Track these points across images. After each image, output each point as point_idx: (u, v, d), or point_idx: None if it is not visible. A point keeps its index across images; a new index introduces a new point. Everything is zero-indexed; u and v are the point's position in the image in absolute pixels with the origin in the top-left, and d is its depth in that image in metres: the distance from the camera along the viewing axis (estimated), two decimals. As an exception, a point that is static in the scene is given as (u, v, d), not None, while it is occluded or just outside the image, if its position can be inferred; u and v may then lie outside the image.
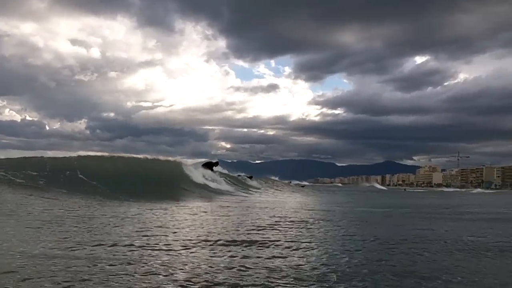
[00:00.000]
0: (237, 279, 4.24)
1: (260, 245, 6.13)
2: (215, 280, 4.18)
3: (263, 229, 7.89)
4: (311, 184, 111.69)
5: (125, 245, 5.70)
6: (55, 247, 5.41)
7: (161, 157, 23.45)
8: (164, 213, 10.28)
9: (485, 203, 25.74)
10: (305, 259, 5.23)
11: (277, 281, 4.20)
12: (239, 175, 32.93)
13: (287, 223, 9.15)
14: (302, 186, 51.40)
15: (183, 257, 5.17)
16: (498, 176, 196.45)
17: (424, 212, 14.98)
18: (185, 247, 5.77)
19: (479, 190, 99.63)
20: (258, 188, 29.70)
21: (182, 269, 4.53)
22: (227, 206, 13.83)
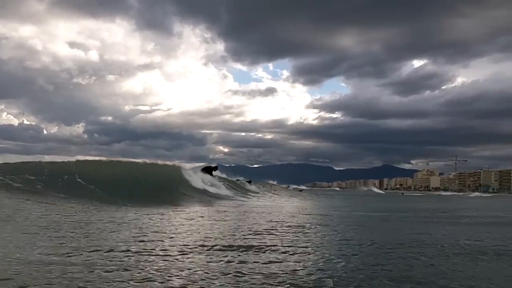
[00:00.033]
0: (233, 285, 4.24)
1: (257, 250, 6.13)
2: (211, 286, 4.18)
3: (259, 234, 7.88)
4: (309, 188, 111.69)
5: (122, 251, 5.69)
6: (52, 253, 5.40)
7: (160, 162, 23.43)
8: (161, 218, 10.26)
9: (483, 207, 25.78)
10: (301, 264, 5.22)
11: (273, 287, 4.20)
12: (237, 180, 32.91)
13: (284, 227, 9.14)
14: (300, 190, 51.39)
15: (180, 262, 5.16)
16: (496, 180, 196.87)
17: (422, 216, 14.98)
18: (182, 253, 5.76)
19: (476, 194, 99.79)
20: (257, 193, 29.66)
21: (178, 275, 4.52)
22: (225, 211, 13.82)
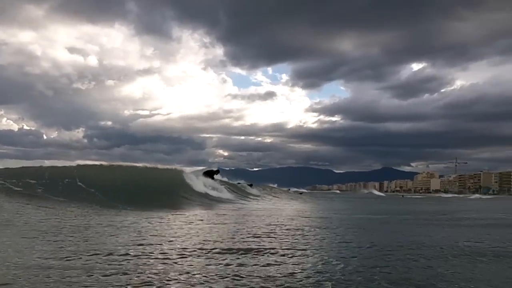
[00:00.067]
0: (232, 288, 4.25)
1: (256, 253, 6.12)
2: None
3: (259, 236, 7.88)
4: (309, 191, 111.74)
5: (121, 255, 5.68)
6: (50, 257, 5.39)
7: (159, 166, 23.41)
8: (160, 221, 10.26)
9: (483, 209, 25.76)
10: (300, 267, 5.22)
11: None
12: (238, 183, 32.91)
13: (284, 230, 9.14)
14: (300, 193, 51.35)
15: (179, 266, 5.16)
16: (496, 182, 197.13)
17: (422, 219, 14.99)
18: (181, 256, 5.76)
19: (477, 195, 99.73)
20: (258, 196, 29.67)
21: (177, 279, 4.52)
22: (225, 214, 13.81)
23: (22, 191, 14.21)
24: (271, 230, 9.14)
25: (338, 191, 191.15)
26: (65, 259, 5.35)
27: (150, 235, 7.68)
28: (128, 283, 4.31)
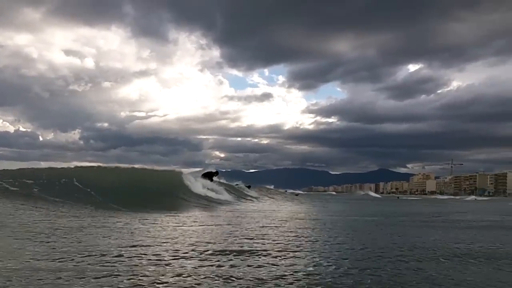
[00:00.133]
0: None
1: (248, 255, 6.12)
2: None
3: (252, 238, 7.88)
4: (305, 192, 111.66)
5: (113, 256, 5.67)
6: (43, 259, 5.37)
7: (160, 168, 23.52)
8: (154, 223, 10.24)
9: (478, 211, 25.85)
10: (291, 269, 5.23)
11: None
12: (237, 184, 32.89)
13: (277, 232, 9.15)
14: (296, 195, 51.37)
15: (171, 267, 5.16)
16: (491, 183, 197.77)
17: (417, 220, 15.02)
18: (174, 258, 5.75)
19: (472, 197, 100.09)
20: (256, 198, 29.66)
21: (169, 281, 4.52)
22: (220, 216, 13.82)
23: (18, 191, 14.19)
24: (266, 232, 9.15)
25: (334, 193, 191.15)
26: (58, 260, 5.34)
27: (143, 237, 7.67)
28: (120, 285, 4.31)
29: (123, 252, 6.01)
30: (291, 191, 74.93)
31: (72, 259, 5.43)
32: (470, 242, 8.27)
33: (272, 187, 50.90)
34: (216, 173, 28.68)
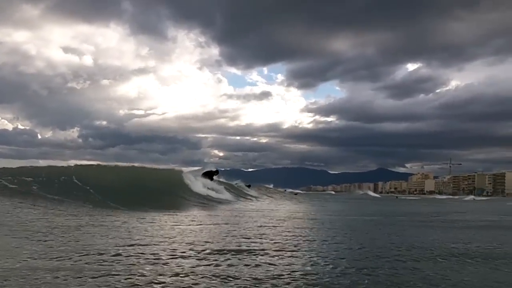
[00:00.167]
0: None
1: (246, 254, 6.12)
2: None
3: (251, 238, 7.88)
4: (304, 192, 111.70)
5: (111, 256, 5.67)
6: (40, 258, 5.37)
7: (159, 166, 23.41)
8: (152, 222, 10.23)
9: (477, 210, 25.90)
10: (289, 268, 5.23)
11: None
12: (236, 184, 32.88)
13: (276, 231, 9.15)
14: (295, 194, 51.41)
15: (168, 267, 5.16)
16: (490, 183, 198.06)
17: (416, 220, 15.04)
18: (171, 257, 5.75)
19: (471, 197, 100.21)
20: (256, 197, 29.66)
21: (167, 280, 4.52)
22: (219, 215, 13.82)
23: (17, 189, 14.20)
24: (263, 231, 9.16)
25: (333, 192, 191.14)
26: (55, 259, 5.34)
27: (141, 236, 7.66)
28: (117, 284, 4.30)
29: (120, 251, 6.01)
30: (290, 190, 74.92)
31: (70, 258, 5.43)
32: (468, 242, 8.28)
33: (271, 186, 50.91)
34: (217, 172, 28.64)
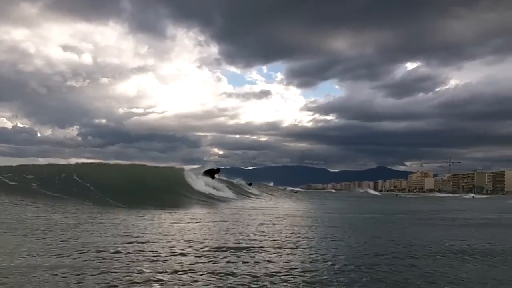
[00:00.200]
0: (219, 286, 4.26)
1: (245, 251, 6.13)
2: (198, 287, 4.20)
3: (250, 235, 7.89)
4: (304, 190, 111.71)
5: (110, 253, 5.67)
6: (39, 256, 5.38)
7: (160, 164, 23.44)
8: (152, 220, 10.23)
9: (476, 208, 25.91)
10: (287, 265, 5.24)
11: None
12: (237, 181, 32.91)
13: (275, 229, 9.16)
14: (295, 192, 51.44)
15: (167, 264, 5.16)
16: (489, 181, 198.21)
17: (415, 218, 15.05)
18: (170, 254, 5.76)
19: (471, 195, 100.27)
20: (257, 195, 29.68)
21: (166, 278, 4.53)
22: (218, 213, 13.83)
23: (17, 186, 14.22)
24: (262, 228, 9.17)
25: (333, 190, 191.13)
26: (54, 257, 5.34)
27: (140, 234, 7.66)
28: (116, 282, 4.31)
29: (120, 248, 6.02)
30: (290, 188, 74.97)
31: (69, 256, 5.43)
32: (466, 240, 8.30)
33: (271, 184, 50.98)
34: (218, 171, 28.70)
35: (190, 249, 6.20)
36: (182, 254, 5.83)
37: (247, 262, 5.39)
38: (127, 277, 4.47)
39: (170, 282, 4.37)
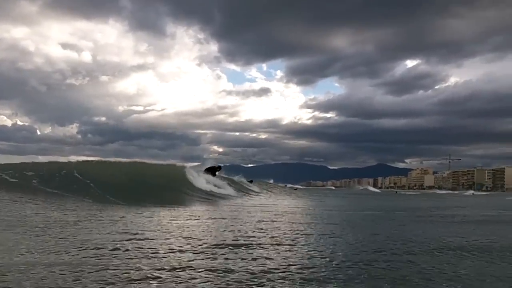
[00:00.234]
0: (218, 283, 4.26)
1: (244, 248, 6.14)
2: (196, 284, 4.20)
3: (249, 232, 7.90)
4: (304, 187, 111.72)
5: (108, 250, 5.68)
6: (38, 253, 5.38)
7: (161, 162, 23.45)
8: (151, 217, 10.24)
9: (476, 205, 25.91)
10: (286, 262, 5.24)
11: (255, 285, 4.22)
12: (238, 178, 32.91)
13: (275, 226, 9.17)
14: (295, 189, 51.51)
15: (166, 261, 5.17)
16: (489, 178, 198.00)
17: (415, 215, 15.04)
18: (169, 251, 5.77)
19: (471, 192, 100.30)
20: (258, 192, 29.70)
21: (164, 275, 4.53)
22: (217, 210, 13.83)
23: (17, 183, 14.24)
24: (261, 225, 9.17)
25: (333, 187, 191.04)
26: (53, 254, 5.35)
27: (139, 231, 7.66)
28: (114, 279, 4.31)
29: (118, 245, 6.02)
30: (290, 185, 75.04)
31: (68, 253, 5.44)
32: (465, 236, 8.31)
33: (271, 181, 50.99)
34: (219, 168, 28.75)
35: (188, 246, 6.21)
36: (180, 251, 5.84)
37: (245, 259, 5.39)
38: (125, 274, 4.47)
39: (168, 279, 4.37)
